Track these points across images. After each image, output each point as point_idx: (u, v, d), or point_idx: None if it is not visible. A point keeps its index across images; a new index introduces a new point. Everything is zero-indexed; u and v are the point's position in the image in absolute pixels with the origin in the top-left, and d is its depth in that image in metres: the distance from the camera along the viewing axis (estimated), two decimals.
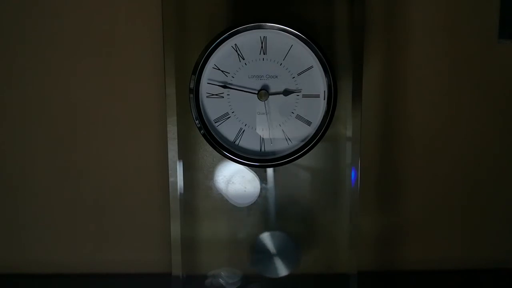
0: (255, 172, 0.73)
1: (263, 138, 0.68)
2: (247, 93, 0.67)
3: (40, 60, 0.79)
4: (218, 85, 0.66)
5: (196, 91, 0.66)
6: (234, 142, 0.68)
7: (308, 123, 0.68)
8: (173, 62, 0.69)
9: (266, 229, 0.75)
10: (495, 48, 0.80)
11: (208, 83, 0.66)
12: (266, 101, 0.67)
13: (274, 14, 0.71)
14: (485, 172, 0.84)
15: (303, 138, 0.68)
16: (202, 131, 0.67)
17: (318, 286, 0.78)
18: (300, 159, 0.67)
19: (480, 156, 0.83)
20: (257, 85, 0.67)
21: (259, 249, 0.75)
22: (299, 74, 0.67)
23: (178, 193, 0.72)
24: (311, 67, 0.66)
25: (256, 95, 0.67)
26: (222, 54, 0.66)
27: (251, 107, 0.67)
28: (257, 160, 0.68)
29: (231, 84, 0.66)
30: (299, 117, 0.67)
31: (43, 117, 0.81)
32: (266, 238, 0.75)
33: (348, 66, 0.70)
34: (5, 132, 0.81)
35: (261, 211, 0.75)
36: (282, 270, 0.75)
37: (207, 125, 0.67)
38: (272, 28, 0.65)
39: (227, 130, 0.68)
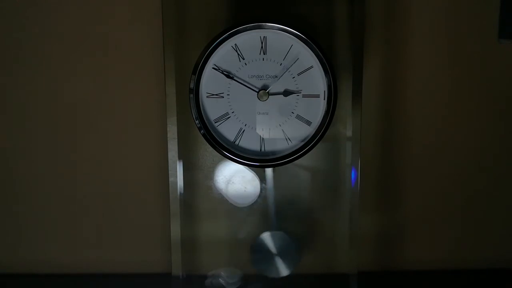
0: (255, 172, 0.73)
1: (263, 138, 0.68)
2: (247, 93, 0.67)
3: (40, 60, 0.79)
4: (223, 73, 0.66)
5: (196, 91, 0.66)
6: (234, 142, 0.68)
7: (308, 123, 0.68)
8: (173, 62, 0.69)
9: (266, 229, 0.75)
10: (495, 48, 0.80)
11: (213, 68, 0.66)
12: (266, 101, 0.67)
13: (274, 14, 0.71)
14: (485, 172, 0.84)
15: (303, 138, 0.68)
16: (202, 131, 0.67)
17: (318, 286, 0.78)
18: (300, 159, 0.67)
19: (480, 156, 0.83)
20: (257, 85, 0.67)
21: (259, 249, 0.75)
22: (299, 74, 0.67)
23: (178, 193, 0.72)
24: (311, 67, 0.66)
25: (256, 95, 0.67)
26: (222, 54, 0.66)
27: (251, 107, 0.67)
28: (257, 160, 0.68)
29: (234, 75, 0.66)
30: (299, 117, 0.67)
31: (43, 117, 0.81)
32: (267, 238, 0.75)
33: (348, 66, 0.70)
34: (5, 132, 0.81)
35: (261, 211, 0.75)
36: (283, 270, 0.75)
37: (207, 125, 0.67)
38: (272, 28, 0.65)
39: (227, 130, 0.68)
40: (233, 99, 0.67)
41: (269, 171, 0.74)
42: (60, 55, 0.79)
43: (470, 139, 0.82)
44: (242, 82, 0.66)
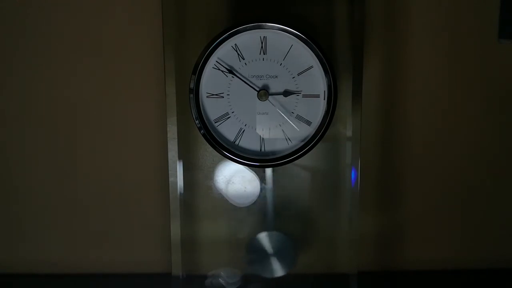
0: (255, 172, 0.73)
1: (263, 138, 0.68)
2: (247, 93, 0.67)
3: (39, 60, 0.79)
4: (226, 68, 0.66)
5: (196, 91, 0.66)
6: (234, 142, 0.68)
7: (308, 123, 0.68)
8: (173, 62, 0.69)
9: (266, 229, 0.75)
10: (495, 48, 0.80)
11: (213, 67, 0.66)
12: (266, 101, 0.67)
13: (274, 14, 0.71)
14: (485, 172, 0.84)
15: (303, 138, 0.68)
16: (202, 131, 0.67)
17: (318, 286, 0.78)
18: (300, 159, 0.67)
19: (480, 156, 0.83)
20: (257, 85, 0.67)
21: (255, 249, 0.75)
22: (299, 74, 0.67)
23: (178, 193, 0.72)
24: (311, 67, 0.66)
25: (256, 95, 0.67)
26: (222, 54, 0.66)
27: (251, 107, 0.67)
28: (257, 160, 0.68)
29: (237, 72, 0.66)
30: (299, 117, 0.67)
31: (43, 117, 0.80)
32: (263, 238, 0.75)
33: (348, 66, 0.70)
34: (5, 132, 0.81)
35: (261, 211, 0.75)
36: (278, 270, 0.75)
37: (207, 125, 0.67)
38: (272, 28, 0.65)
39: (227, 130, 0.68)
40: (233, 99, 0.67)
41: (269, 171, 0.74)
42: (60, 55, 0.79)
43: (470, 139, 0.82)
44: (243, 79, 0.66)
